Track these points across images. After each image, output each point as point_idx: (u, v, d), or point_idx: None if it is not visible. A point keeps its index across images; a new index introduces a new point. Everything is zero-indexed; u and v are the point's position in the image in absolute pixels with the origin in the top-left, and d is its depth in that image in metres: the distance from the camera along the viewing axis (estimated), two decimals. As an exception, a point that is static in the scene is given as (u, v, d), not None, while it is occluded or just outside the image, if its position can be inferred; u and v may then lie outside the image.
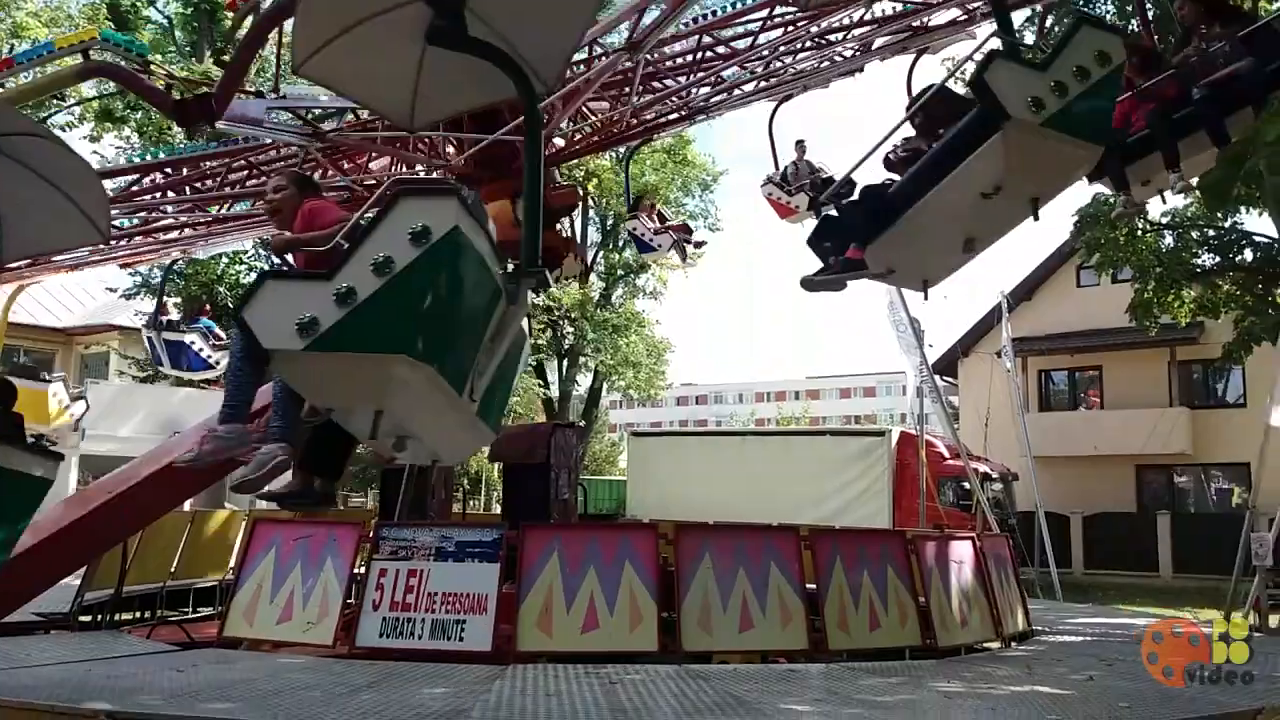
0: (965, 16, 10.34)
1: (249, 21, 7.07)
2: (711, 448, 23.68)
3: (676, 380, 47.20)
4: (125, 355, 27.30)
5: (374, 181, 11.75)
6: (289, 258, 5.20)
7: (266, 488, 5.15)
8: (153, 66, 7.87)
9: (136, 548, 10.01)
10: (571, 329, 34.24)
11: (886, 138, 5.97)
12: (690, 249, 14.23)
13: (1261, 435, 13.07)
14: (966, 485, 19.30)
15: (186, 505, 11.93)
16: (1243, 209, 19.22)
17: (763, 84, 11.72)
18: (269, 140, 10.79)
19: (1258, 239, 20.75)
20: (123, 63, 6.92)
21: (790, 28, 10.42)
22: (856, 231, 5.92)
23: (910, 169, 5.71)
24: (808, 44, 10.88)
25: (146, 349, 17.48)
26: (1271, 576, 11.57)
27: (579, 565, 8.18)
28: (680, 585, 8.19)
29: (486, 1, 4.38)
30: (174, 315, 16.75)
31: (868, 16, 10.44)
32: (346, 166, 12.00)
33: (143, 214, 12.17)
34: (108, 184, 11.10)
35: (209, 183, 11.89)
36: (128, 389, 24.73)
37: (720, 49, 11.06)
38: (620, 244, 35.44)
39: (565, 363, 35.59)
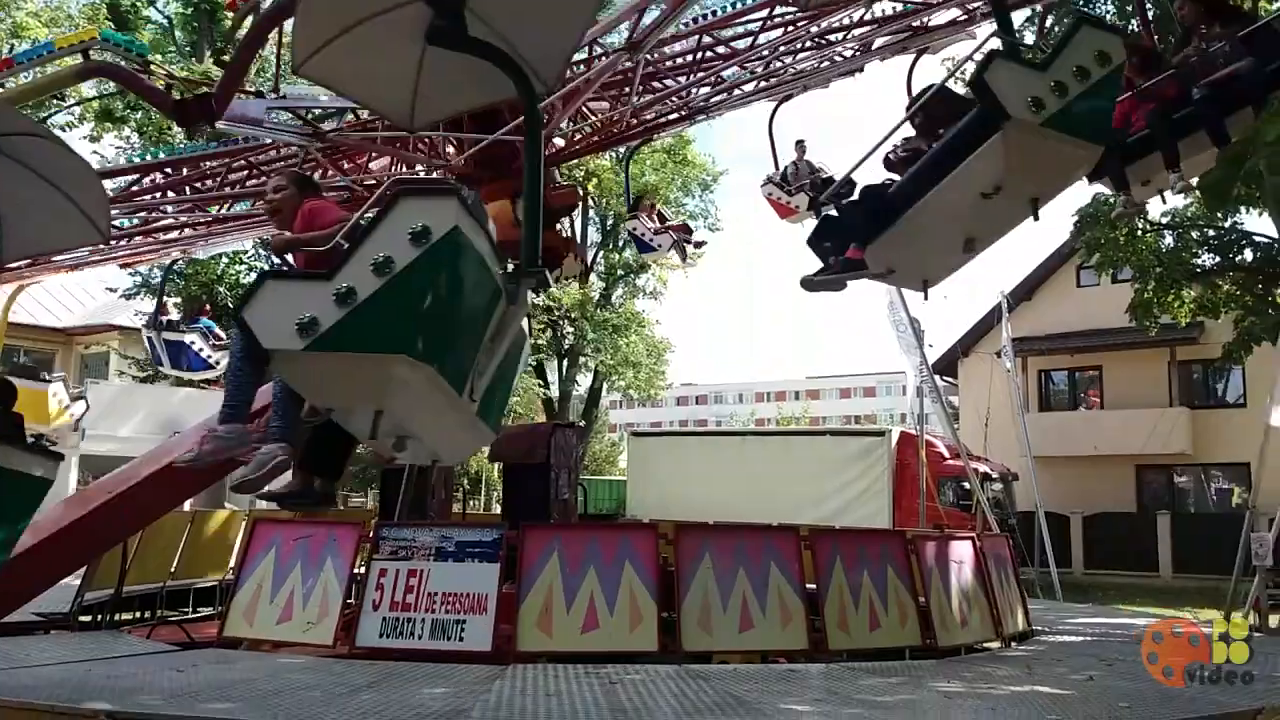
0: (965, 16, 10.35)
1: (249, 21, 7.07)
2: (711, 448, 23.69)
3: (676, 380, 47.22)
4: (125, 355, 27.31)
5: (374, 181, 11.74)
6: (290, 258, 5.20)
7: (267, 488, 5.15)
8: (153, 66, 7.87)
9: (136, 548, 10.01)
10: (571, 329, 34.25)
11: (887, 138, 5.98)
12: (690, 249, 14.23)
13: (1261, 435, 13.07)
14: (966, 485, 19.31)
15: (186, 505, 11.93)
16: (1243, 209, 19.22)
17: (762, 84, 11.72)
18: (269, 140, 10.79)
19: (1258, 239, 20.75)
20: (122, 63, 6.92)
21: (790, 28, 10.41)
22: (856, 231, 5.92)
23: (910, 169, 5.71)
24: (808, 44, 10.87)
25: (146, 349, 17.48)
26: (1271, 576, 11.57)
27: (579, 565, 8.18)
28: (680, 585, 8.18)
29: (487, 1, 4.38)
30: (174, 315, 16.76)
31: (868, 17, 10.43)
32: (347, 166, 11.99)
33: (143, 214, 12.17)
34: (108, 184, 11.09)
35: (209, 182, 11.89)
36: (128, 389, 24.73)
37: (720, 49, 11.05)
38: (620, 244, 35.45)
39: (565, 363, 35.60)
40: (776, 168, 13.34)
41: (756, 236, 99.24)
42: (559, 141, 11.90)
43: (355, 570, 8.72)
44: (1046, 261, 29.15)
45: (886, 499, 19.78)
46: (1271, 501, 13.22)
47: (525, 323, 4.70)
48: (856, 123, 46.52)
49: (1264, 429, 12.90)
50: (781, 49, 10.81)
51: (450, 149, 11.43)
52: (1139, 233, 20.15)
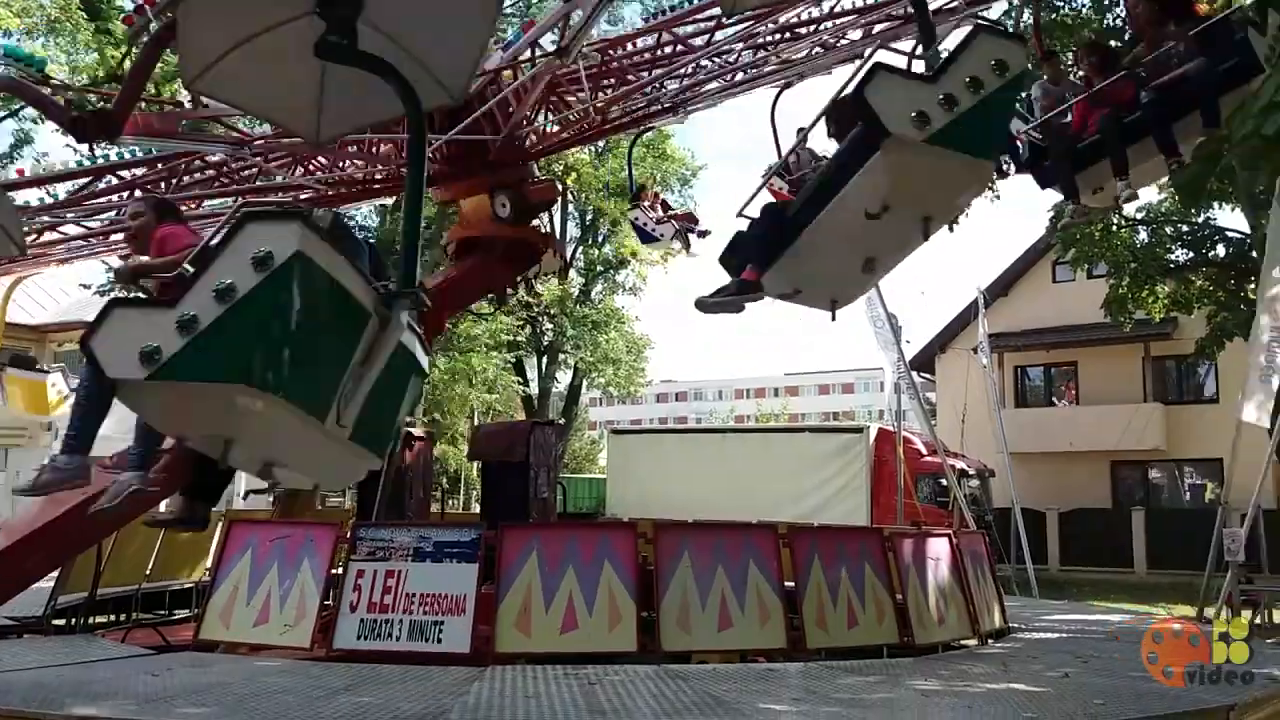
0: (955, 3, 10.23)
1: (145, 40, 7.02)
2: (691, 445, 23.74)
3: (656, 377, 47.32)
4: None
5: (337, 179, 11.69)
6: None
7: (156, 515, 5.16)
8: (52, 81, 7.89)
9: (111, 549, 9.89)
10: (551, 325, 34.24)
11: (792, 150, 5.74)
12: (694, 238, 14.13)
13: (1234, 431, 13.18)
14: (944, 482, 19.41)
15: (162, 506, 11.80)
16: (1216, 204, 19.46)
17: (753, 72, 11.65)
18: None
19: (1230, 235, 21.02)
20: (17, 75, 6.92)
21: (749, 23, 10.44)
22: (754, 252, 5.73)
23: (804, 188, 5.52)
24: (769, 40, 10.88)
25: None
26: (1244, 572, 11.70)
27: (558, 565, 8.14)
28: (659, 584, 8.17)
29: (386, 16, 4.36)
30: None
31: (838, 9, 10.42)
32: (312, 165, 11.86)
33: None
34: (60, 187, 11.13)
35: (187, 178, 11.74)
36: (103, 386, 24.47)
37: (679, 46, 11.11)
38: (600, 239, 35.46)
39: (544, 359, 35.58)
40: (779, 156, 13.22)
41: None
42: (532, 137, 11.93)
43: (332, 571, 8.67)
44: (1022, 257, 29.37)
45: (865, 496, 19.89)
46: (1244, 497, 13.35)
47: (416, 344, 4.53)
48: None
49: (1236, 424, 13.01)
50: (740, 45, 10.83)
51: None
52: (1114, 228, 20.35)
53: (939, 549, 9.81)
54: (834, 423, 46.21)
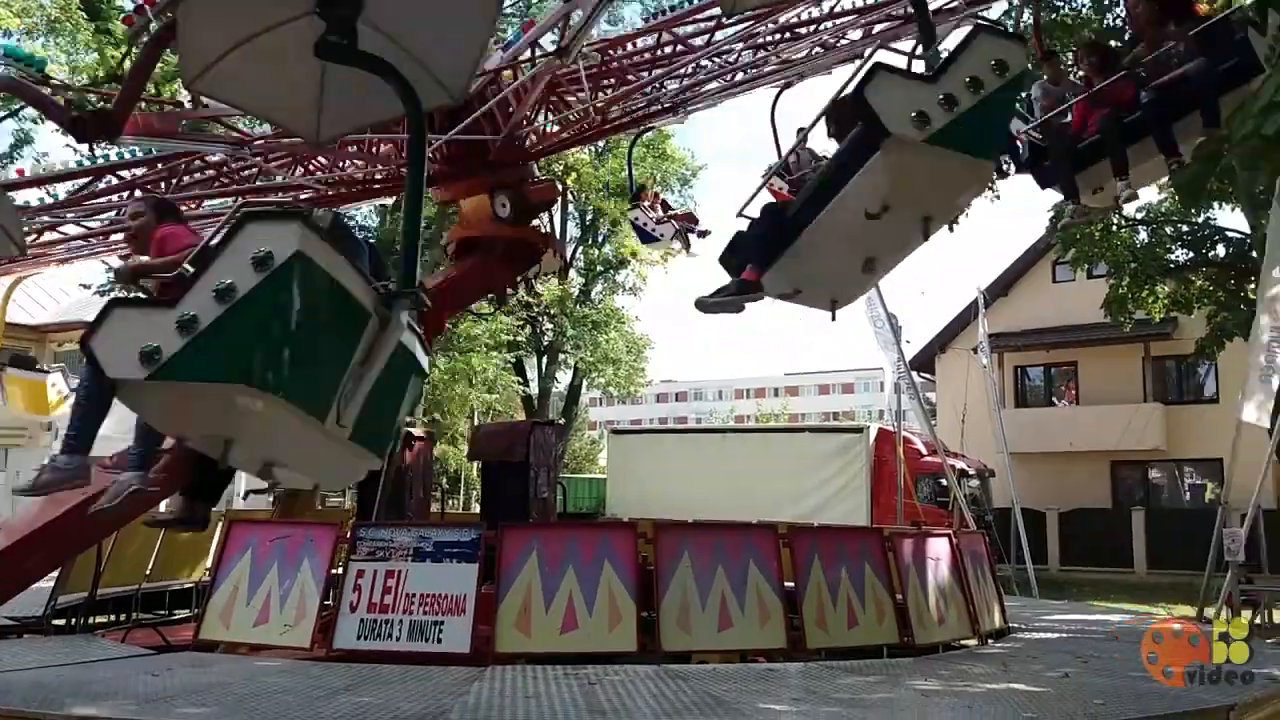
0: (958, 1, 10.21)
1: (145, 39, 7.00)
2: (691, 445, 23.74)
3: (656, 377, 47.32)
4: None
5: (338, 179, 11.69)
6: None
7: (156, 515, 5.17)
8: (52, 82, 7.90)
9: (111, 549, 9.89)
10: (551, 325, 34.25)
11: (792, 150, 5.69)
12: (694, 238, 14.11)
13: (1234, 431, 13.18)
14: (944, 482, 19.41)
15: (162, 506, 11.80)
16: (1216, 204, 19.46)
17: (752, 72, 11.65)
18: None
19: (1230, 235, 21.02)
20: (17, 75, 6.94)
21: (750, 23, 10.44)
22: (754, 252, 5.70)
23: (804, 188, 5.49)
24: (769, 40, 10.89)
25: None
26: (1244, 573, 11.69)
27: (558, 565, 8.14)
28: (659, 584, 8.17)
29: (386, 16, 4.36)
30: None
31: (838, 8, 10.41)
32: (313, 165, 11.84)
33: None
34: (61, 187, 11.12)
35: (187, 178, 11.74)
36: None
37: (679, 46, 11.12)
38: (600, 239, 35.46)
39: (545, 359, 35.58)
40: (779, 156, 13.20)
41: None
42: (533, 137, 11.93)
43: (332, 571, 8.67)
44: (1022, 257, 29.37)
45: (865, 496, 19.89)
46: (1244, 497, 13.35)
47: (415, 343, 4.52)
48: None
49: (1236, 424, 13.00)
50: (741, 45, 10.84)
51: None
52: (1114, 228, 20.36)
53: (939, 549, 9.81)
54: (834, 423, 46.21)
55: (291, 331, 3.85)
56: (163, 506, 6.67)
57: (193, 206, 11.78)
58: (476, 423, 30.88)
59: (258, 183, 11.77)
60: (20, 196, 10.65)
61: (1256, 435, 13.02)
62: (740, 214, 6.15)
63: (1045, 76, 7.75)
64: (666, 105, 11.93)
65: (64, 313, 29.22)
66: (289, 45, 4.39)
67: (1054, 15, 16.01)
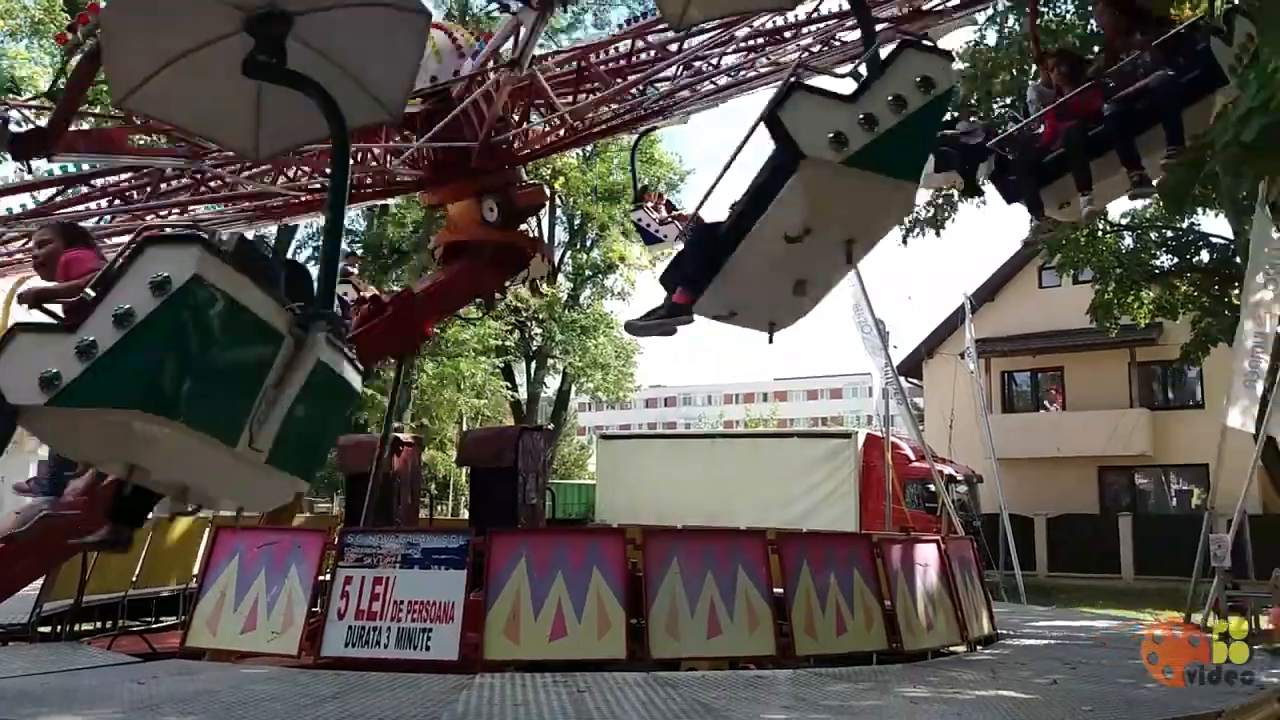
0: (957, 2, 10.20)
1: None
2: (680, 450, 23.69)
3: (645, 382, 47.27)
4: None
5: (321, 186, 11.63)
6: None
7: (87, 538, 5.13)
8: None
9: (97, 556, 9.81)
10: (539, 330, 34.22)
11: (733, 159, 5.47)
12: None
13: (1219, 436, 13.25)
14: (932, 487, 19.43)
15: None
16: (1200, 210, 19.58)
17: (744, 74, 11.65)
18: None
19: (1214, 240, 21.16)
20: None
21: (717, 31, 10.48)
22: (686, 274, 5.55)
23: (731, 208, 5.30)
24: (745, 45, 10.93)
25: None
26: (1230, 578, 11.74)
27: (546, 571, 8.14)
28: (648, 591, 8.17)
29: (317, 34, 4.35)
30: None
31: (815, 15, 10.44)
32: (294, 172, 11.77)
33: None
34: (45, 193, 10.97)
35: (173, 183, 11.67)
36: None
37: (655, 52, 11.20)
38: (588, 243, 35.47)
39: (533, 364, 35.55)
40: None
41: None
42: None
43: (320, 578, 8.64)
44: (1009, 262, 29.47)
45: (853, 501, 19.88)
46: (1230, 502, 13.42)
47: (343, 364, 4.45)
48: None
49: (1221, 430, 13.07)
50: (718, 50, 10.88)
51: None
52: (1099, 234, 20.46)
53: (927, 555, 9.83)
54: (822, 428, 46.24)
55: (192, 355, 3.81)
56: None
57: (178, 213, 11.72)
58: (465, 428, 30.80)
59: (238, 190, 11.68)
60: (15, 201, 10.67)
61: (1242, 440, 13.10)
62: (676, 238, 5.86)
63: (1039, 80, 7.67)
64: (655, 109, 11.92)
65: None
66: (221, 63, 4.36)
67: (1039, 20, 16.05)
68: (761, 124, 4.83)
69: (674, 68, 11.26)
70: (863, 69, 4.97)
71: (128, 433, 3.75)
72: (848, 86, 4.91)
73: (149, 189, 11.34)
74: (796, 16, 10.45)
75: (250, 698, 6.37)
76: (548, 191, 13.07)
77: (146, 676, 7.11)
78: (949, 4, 10.09)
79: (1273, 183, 12.18)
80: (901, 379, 22.03)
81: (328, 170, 11.22)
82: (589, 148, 29.39)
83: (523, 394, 35.90)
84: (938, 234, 19.53)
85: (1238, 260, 17.57)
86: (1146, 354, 26.31)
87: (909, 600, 9.18)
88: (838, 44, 10.79)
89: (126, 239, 12.04)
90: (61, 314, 4.44)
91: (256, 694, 6.50)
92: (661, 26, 10.72)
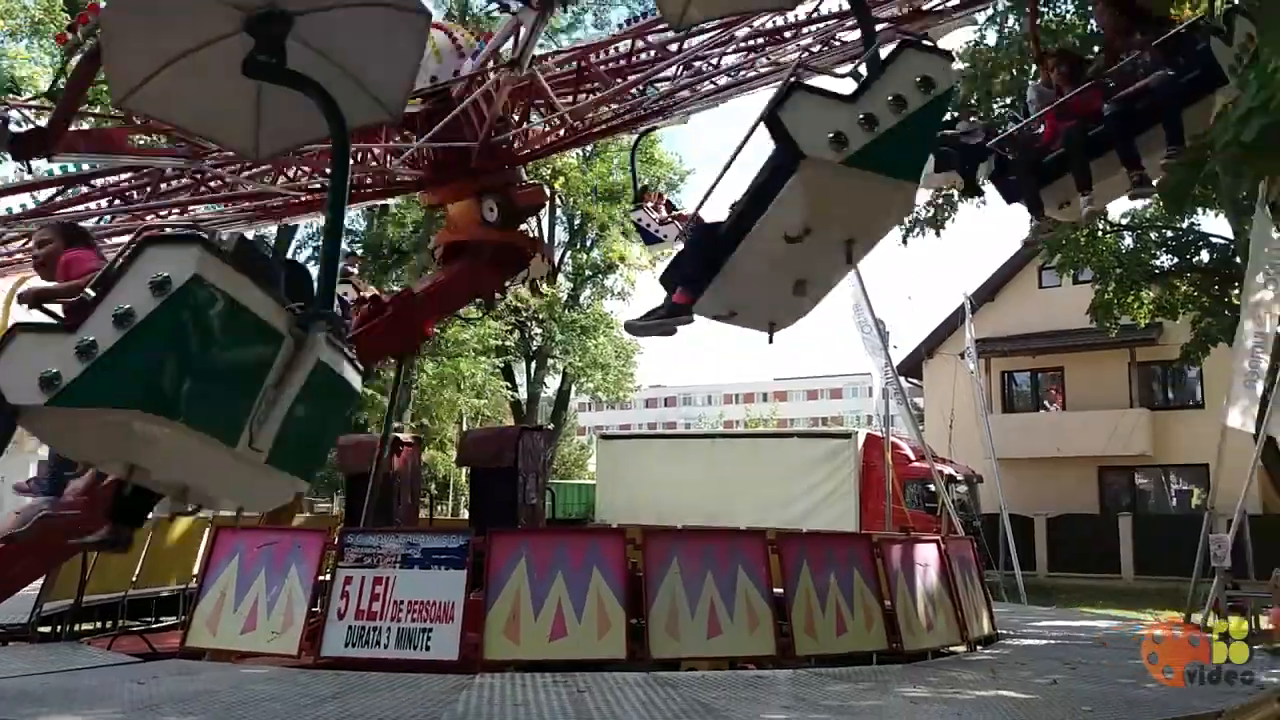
0: (957, 3, 10.18)
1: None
2: (680, 450, 23.69)
3: (645, 382, 47.27)
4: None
5: (321, 186, 11.63)
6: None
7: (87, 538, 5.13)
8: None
9: (97, 556, 9.81)
10: (539, 330, 34.22)
11: (734, 157, 5.43)
12: None
13: (1219, 436, 13.25)
14: (932, 487, 19.42)
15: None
16: (1200, 210, 19.58)
17: (745, 74, 11.64)
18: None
19: (1214, 240, 21.15)
20: None
21: (716, 31, 10.47)
22: (687, 273, 5.53)
23: (732, 208, 5.28)
24: (745, 45, 10.92)
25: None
26: (1230, 578, 11.74)
27: (547, 571, 8.14)
28: (648, 591, 8.17)
29: (317, 35, 4.35)
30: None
31: (815, 15, 10.43)
32: (294, 172, 11.77)
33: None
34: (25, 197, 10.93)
35: (173, 183, 11.67)
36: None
37: (655, 52, 11.21)
38: (588, 243, 35.48)
39: (533, 364, 35.56)
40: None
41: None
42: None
43: (320, 578, 8.64)
44: (1009, 262, 29.46)
45: (853, 501, 19.87)
46: (1230, 502, 13.42)
47: (343, 364, 4.45)
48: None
49: (1221, 430, 13.07)
50: (718, 50, 10.88)
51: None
52: (1099, 234, 20.46)
53: (927, 555, 9.83)
54: (822, 428, 46.21)
55: (192, 355, 3.81)
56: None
57: (179, 213, 11.72)
58: (465, 428, 30.80)
59: (237, 190, 11.68)
60: (15, 201, 10.66)
61: (1242, 440, 13.10)
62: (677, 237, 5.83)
63: (1040, 79, 7.65)
64: (655, 108, 11.92)
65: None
66: (221, 63, 4.35)
67: (1039, 20, 16.02)
68: (761, 124, 4.81)
69: (674, 68, 11.25)
70: (863, 69, 4.95)
71: (128, 433, 3.74)
72: (848, 86, 4.89)
73: (149, 189, 11.33)
74: (796, 16, 10.46)
75: (250, 698, 6.37)
76: (548, 191, 13.04)
77: (146, 676, 7.11)
78: (949, 4, 10.07)
79: (1273, 183, 12.19)
80: (901, 379, 22.02)
81: (328, 170, 11.32)
82: (589, 148, 29.40)
83: (523, 394, 35.90)
84: (938, 234, 19.53)
85: (1238, 260, 17.57)
86: (1146, 354, 26.30)
87: (909, 600, 9.18)
88: (838, 44, 10.78)
89: (127, 239, 12.21)
90: (62, 314, 4.44)
91: (256, 694, 6.50)
92: (662, 26, 10.71)
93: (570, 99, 11.34)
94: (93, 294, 3.92)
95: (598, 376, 35.36)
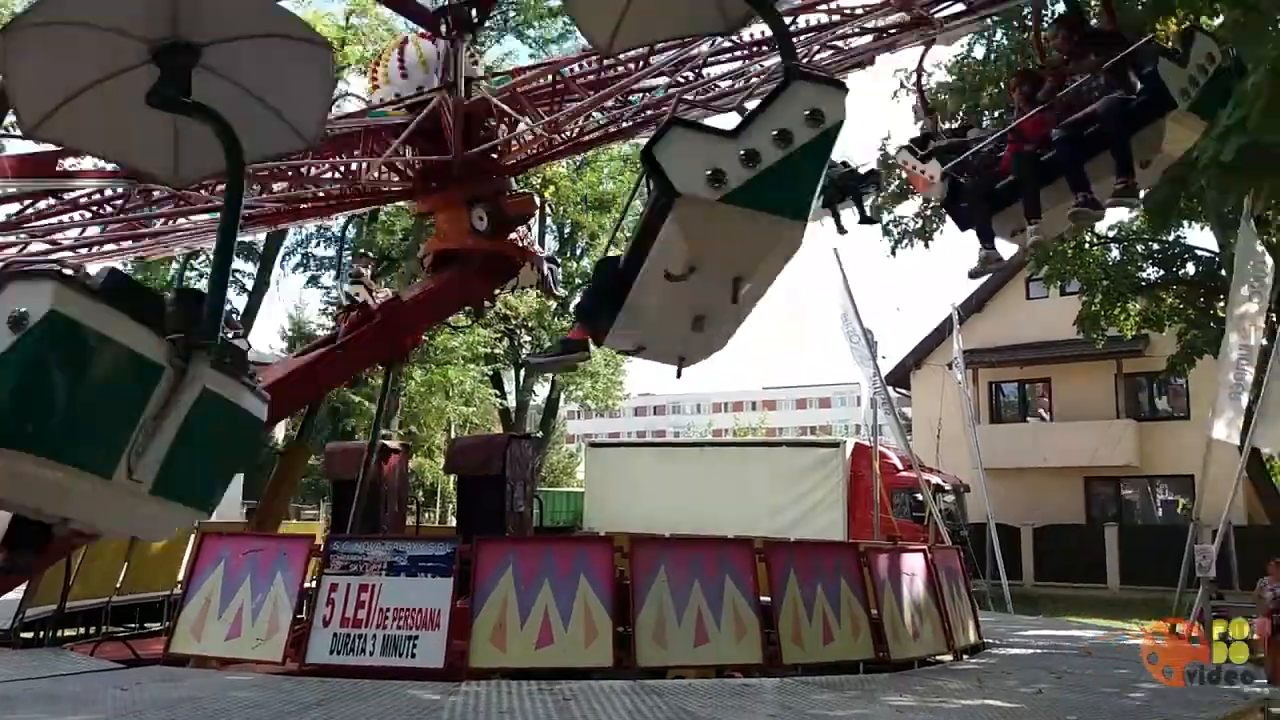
0: (967, 7, 10.15)
1: None
2: (669, 459, 23.70)
3: (634, 390, 47.24)
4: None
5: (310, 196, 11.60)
6: None
7: None
8: None
9: (80, 561, 9.78)
10: (528, 338, 34.19)
11: (630, 199, 5.14)
12: None
13: (1204, 447, 13.33)
14: (919, 497, 19.48)
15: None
16: (1186, 223, 19.72)
17: (734, 84, 11.64)
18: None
19: (1200, 253, 21.31)
20: None
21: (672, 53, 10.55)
22: (583, 310, 5.44)
23: (630, 242, 5.14)
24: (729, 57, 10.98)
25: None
26: (1215, 588, 11.80)
27: (533, 579, 8.12)
28: (635, 599, 8.16)
29: (227, 65, 4.35)
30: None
31: (824, 21, 10.45)
32: (278, 187, 11.72)
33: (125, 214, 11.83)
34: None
35: (157, 193, 11.59)
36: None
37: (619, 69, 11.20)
38: (578, 252, 35.50)
39: (522, 372, 35.50)
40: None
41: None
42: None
43: (306, 585, 8.61)
44: (997, 274, 29.50)
45: (841, 511, 19.91)
46: (1215, 513, 13.49)
47: (241, 391, 4.36)
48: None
49: (1207, 441, 13.15)
50: (707, 59, 10.91)
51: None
52: (1086, 246, 20.58)
53: (914, 564, 9.85)
54: (811, 437, 46.29)
55: (55, 389, 3.74)
56: None
57: (165, 223, 11.68)
58: (453, 436, 30.76)
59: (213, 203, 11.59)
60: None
61: (1227, 452, 13.19)
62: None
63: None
64: (643, 119, 11.93)
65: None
66: (131, 92, 4.31)
67: (1025, 34, 16.09)
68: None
69: (660, 78, 11.25)
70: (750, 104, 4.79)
71: None
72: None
73: (124, 201, 11.20)
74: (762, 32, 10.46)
75: (234, 704, 6.33)
76: (537, 201, 13.04)
77: (130, 683, 7.07)
78: (947, 8, 10.02)
79: (1258, 197, 12.33)
80: (890, 389, 22.10)
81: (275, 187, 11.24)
82: (579, 157, 29.43)
83: (511, 402, 35.85)
84: (926, 245, 19.62)
85: (1223, 273, 17.71)
86: (1133, 365, 26.43)
87: (896, 609, 9.19)
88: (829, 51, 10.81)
89: (115, 249, 12.17)
90: None
91: (240, 701, 6.47)
92: None
93: (549, 110, 11.35)
94: None
95: (586, 384, 35.32)
